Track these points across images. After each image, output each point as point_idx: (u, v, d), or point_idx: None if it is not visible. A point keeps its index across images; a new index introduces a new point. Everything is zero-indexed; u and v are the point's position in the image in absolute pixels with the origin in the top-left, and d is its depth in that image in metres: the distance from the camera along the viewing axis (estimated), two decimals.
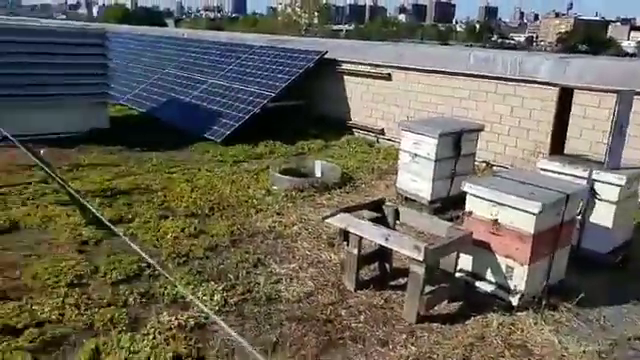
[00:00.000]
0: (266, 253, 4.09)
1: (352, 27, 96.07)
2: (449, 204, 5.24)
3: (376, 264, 3.87)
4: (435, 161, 5.00)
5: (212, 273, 3.63)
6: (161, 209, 4.80)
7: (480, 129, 5.28)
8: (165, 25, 48.17)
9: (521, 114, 6.22)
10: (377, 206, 3.86)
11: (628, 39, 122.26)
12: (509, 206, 3.33)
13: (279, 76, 8.29)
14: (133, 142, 7.09)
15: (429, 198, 5.13)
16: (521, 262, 3.36)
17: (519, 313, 3.36)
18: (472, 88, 6.64)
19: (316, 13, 67.04)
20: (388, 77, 7.64)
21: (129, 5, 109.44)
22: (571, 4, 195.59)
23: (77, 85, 7.20)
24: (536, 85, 6.01)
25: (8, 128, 6.48)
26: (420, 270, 3.18)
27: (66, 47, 7.10)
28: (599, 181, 3.96)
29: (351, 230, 3.49)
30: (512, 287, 3.41)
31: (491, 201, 3.43)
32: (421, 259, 3.12)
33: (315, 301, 3.41)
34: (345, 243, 3.61)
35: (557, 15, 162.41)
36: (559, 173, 4.12)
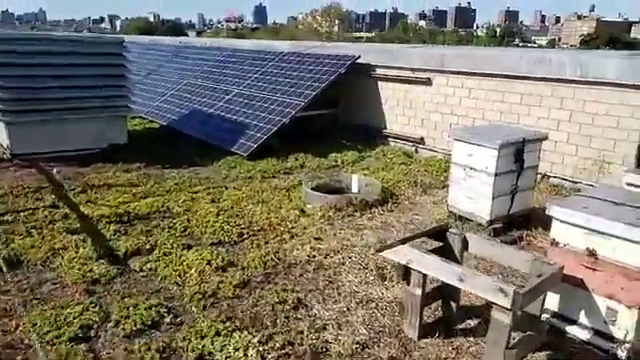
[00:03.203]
0: (307, 290, 3.49)
1: (373, 34, 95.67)
2: (511, 224, 4.59)
3: (438, 302, 3.24)
4: (495, 175, 4.35)
5: (245, 318, 3.04)
6: (184, 237, 4.25)
7: (544, 138, 4.61)
8: (187, 36, 48.45)
9: (582, 119, 5.51)
10: (439, 233, 3.23)
11: None
12: (613, 235, 2.67)
13: (308, 83, 7.73)
14: (153, 158, 6.60)
15: (488, 218, 4.47)
16: (628, 304, 2.69)
17: None
18: (524, 92, 5.96)
19: (337, 21, 66.92)
20: (428, 82, 7.00)
21: (151, 18, 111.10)
22: (593, 5, 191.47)
23: (94, 98, 6.74)
24: (600, 87, 5.30)
25: (20, 145, 6.09)
26: (506, 319, 2.53)
27: (81, 57, 6.64)
28: None
29: (414, 267, 2.87)
30: (617, 335, 2.73)
31: (587, 229, 2.77)
32: (508, 306, 2.47)
33: (372, 355, 2.79)
34: (405, 282, 2.99)
35: (579, 17, 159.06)
36: None
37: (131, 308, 3.02)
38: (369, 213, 5.02)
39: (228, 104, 8.38)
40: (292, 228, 4.56)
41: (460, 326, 3.15)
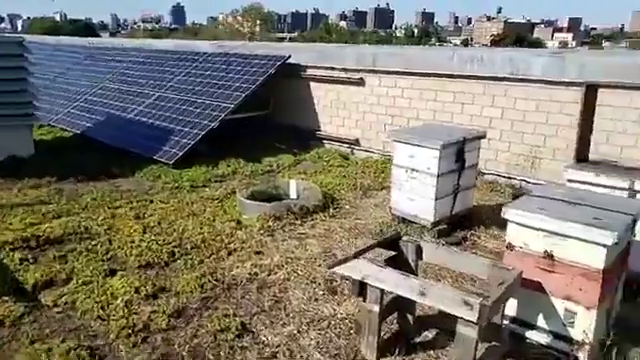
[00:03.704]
0: (251, 313, 3.16)
1: (295, 34, 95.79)
2: (454, 224, 4.53)
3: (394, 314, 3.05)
4: (437, 176, 4.25)
5: (183, 354, 2.67)
6: (106, 261, 3.75)
7: (483, 136, 4.58)
8: (99, 37, 45.52)
9: (513, 116, 5.60)
10: (393, 242, 3.03)
11: (552, 39, 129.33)
12: (571, 237, 2.59)
13: (237, 85, 7.34)
14: (65, 171, 5.92)
15: (432, 219, 4.37)
16: (587, 305, 2.63)
17: None
18: (456, 90, 5.98)
19: (258, 21, 66.13)
20: (361, 82, 6.87)
21: (58, 18, 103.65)
22: (500, 7, 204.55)
23: None
24: (530, 84, 5.41)
25: None
26: (472, 333, 2.37)
27: None
28: None
29: (370, 282, 2.64)
30: (578, 337, 2.67)
31: (544, 231, 2.68)
32: (475, 319, 2.31)
33: None
34: (360, 298, 2.75)
35: (488, 19, 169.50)
36: (591, 184, 3.46)
37: (43, 355, 2.53)
38: (311, 220, 4.77)
39: (149, 109, 7.77)
40: (229, 243, 4.20)
41: (418, 339, 2.98)
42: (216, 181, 6.06)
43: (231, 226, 4.56)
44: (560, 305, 2.71)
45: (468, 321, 2.35)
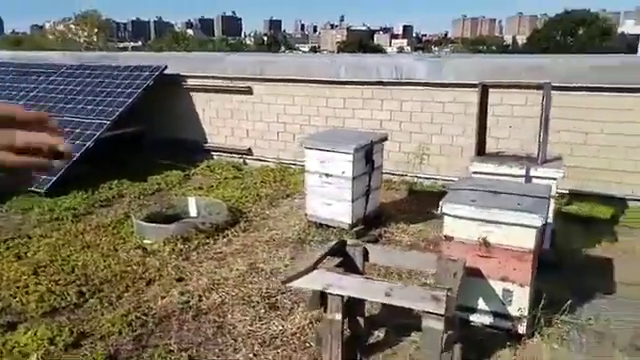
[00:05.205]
0: (195, 344, 2.91)
1: (140, 43, 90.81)
2: (367, 224, 4.68)
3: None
4: (352, 179, 4.36)
5: None
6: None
7: (385, 138, 4.82)
8: None
9: (401, 118, 5.99)
10: (340, 248, 3.02)
11: (390, 45, 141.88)
12: (505, 223, 2.85)
13: (110, 99, 6.70)
14: None
15: (349, 221, 4.48)
16: (521, 283, 2.92)
17: (528, 341, 2.93)
18: (347, 96, 6.20)
19: (96, 30, 61.12)
20: (248, 90, 6.74)
21: None
22: (343, 16, 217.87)
23: None
24: (414, 87, 5.83)
25: None
26: (439, 325, 2.47)
27: None
28: (536, 177, 3.80)
29: (333, 291, 2.60)
30: (515, 313, 2.95)
31: (479, 220, 2.91)
32: (443, 312, 2.42)
33: None
34: (322, 309, 2.70)
35: (332, 26, 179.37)
36: (494, 174, 3.86)
37: None
38: (223, 237, 4.56)
39: None
40: (143, 273, 3.82)
41: (371, 340, 3.02)
42: (101, 206, 5.47)
43: (138, 254, 4.16)
44: (498, 286, 2.97)
45: (435, 314, 2.44)
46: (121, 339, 2.92)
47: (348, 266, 2.97)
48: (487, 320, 3.02)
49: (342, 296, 2.63)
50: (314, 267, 2.69)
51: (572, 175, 4.62)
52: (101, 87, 7.09)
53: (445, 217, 3.01)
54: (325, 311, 2.70)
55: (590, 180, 5.06)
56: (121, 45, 78.24)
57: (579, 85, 5.04)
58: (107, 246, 4.31)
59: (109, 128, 6.38)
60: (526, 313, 2.93)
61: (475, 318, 3.05)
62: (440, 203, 2.99)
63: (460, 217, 2.95)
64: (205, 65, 7.16)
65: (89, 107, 6.72)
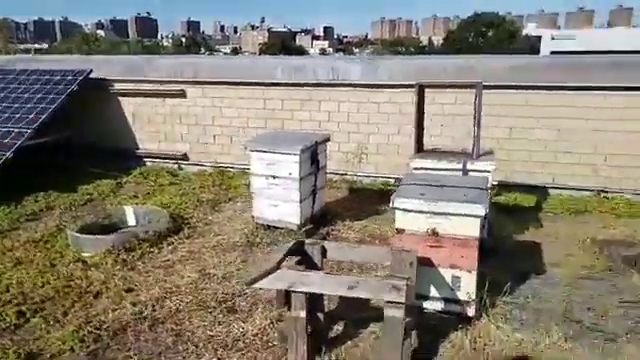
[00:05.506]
0: (156, 354, 2.84)
1: (45, 45, 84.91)
2: (314, 223, 4.77)
3: None
4: (300, 180, 4.43)
5: None
6: None
7: (328, 139, 4.93)
8: None
9: (339, 118, 6.14)
10: (298, 247, 3.08)
11: (312, 46, 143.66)
12: (451, 214, 3.05)
13: (30, 106, 6.26)
14: None
15: (298, 222, 4.54)
16: (468, 269, 3.14)
17: (476, 322, 3.15)
18: (284, 97, 6.25)
19: None
20: (182, 94, 6.59)
21: None
22: (263, 17, 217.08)
23: None
24: (350, 88, 6.00)
25: None
26: (400, 313, 2.60)
27: None
28: (472, 170, 4.07)
29: (298, 289, 2.65)
30: (464, 297, 3.16)
31: (429, 212, 3.09)
32: (403, 300, 2.55)
33: None
34: (286, 307, 2.74)
35: (253, 28, 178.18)
36: (434, 169, 4.09)
37: None
38: (168, 245, 4.46)
39: None
40: (88, 286, 3.65)
41: (332, 334, 3.10)
42: (28, 220, 5.13)
43: (78, 267, 3.97)
44: (447, 274, 3.16)
45: (397, 303, 2.57)
46: (74, 356, 2.79)
47: (307, 264, 3.04)
48: (439, 306, 3.21)
49: (305, 293, 2.69)
50: (277, 267, 2.72)
51: (500, 167, 4.98)
52: (17, 93, 6.62)
53: (396, 211, 3.16)
54: (289, 309, 2.74)
55: (515, 172, 5.49)
56: (22, 47, 72.75)
57: (502, 84, 5.43)
58: (42, 262, 4.06)
59: (31, 137, 5.96)
60: (474, 297, 3.15)
61: (428, 305, 3.22)
62: (392, 197, 3.13)
63: (410, 210, 3.12)
64: (133, 69, 6.90)
65: (5, 115, 6.25)
